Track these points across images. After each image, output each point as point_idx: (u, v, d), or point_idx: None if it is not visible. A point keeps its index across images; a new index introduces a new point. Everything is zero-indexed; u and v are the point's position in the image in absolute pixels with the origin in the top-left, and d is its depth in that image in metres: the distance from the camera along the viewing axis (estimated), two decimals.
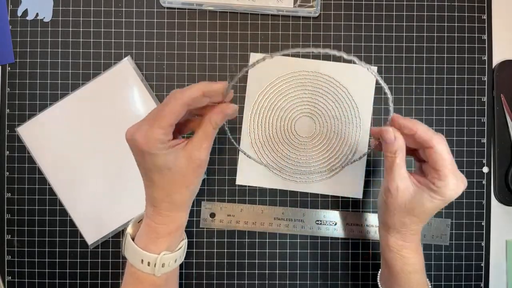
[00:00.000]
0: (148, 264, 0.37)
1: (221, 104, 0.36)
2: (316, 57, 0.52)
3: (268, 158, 0.52)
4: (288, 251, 0.52)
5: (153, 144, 0.33)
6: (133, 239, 0.39)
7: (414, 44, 0.52)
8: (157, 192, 0.36)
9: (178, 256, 0.40)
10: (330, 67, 0.51)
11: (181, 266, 0.44)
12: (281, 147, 0.52)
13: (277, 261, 0.52)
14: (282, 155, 0.52)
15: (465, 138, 0.52)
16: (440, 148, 0.35)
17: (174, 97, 0.34)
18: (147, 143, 0.33)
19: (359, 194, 0.52)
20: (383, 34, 0.52)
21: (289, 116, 0.52)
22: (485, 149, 0.52)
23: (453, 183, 0.35)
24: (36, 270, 0.51)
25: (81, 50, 0.52)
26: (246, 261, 0.52)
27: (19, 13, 0.52)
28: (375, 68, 0.52)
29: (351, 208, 0.52)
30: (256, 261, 0.52)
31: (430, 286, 0.42)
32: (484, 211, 0.52)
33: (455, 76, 0.52)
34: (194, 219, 0.51)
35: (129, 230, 0.39)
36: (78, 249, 0.51)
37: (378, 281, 0.45)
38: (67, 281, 0.51)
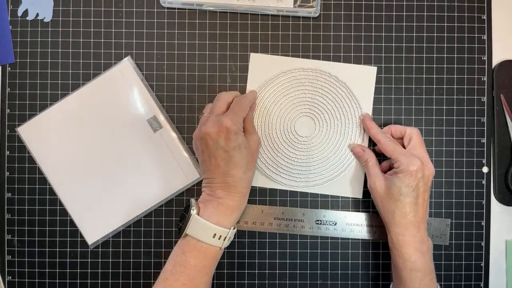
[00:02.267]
0: (219, 237, 0.43)
1: (253, 103, 0.50)
2: (316, 56, 0.52)
3: (268, 158, 0.52)
4: (288, 251, 0.52)
5: (239, 126, 0.44)
6: None
7: (414, 44, 0.52)
8: (236, 170, 0.44)
9: (235, 232, 0.46)
10: (330, 67, 0.52)
11: None
12: (280, 147, 0.52)
13: (277, 261, 0.52)
14: (282, 155, 0.52)
15: (465, 138, 0.52)
16: (383, 140, 0.47)
17: (243, 99, 0.47)
18: (235, 124, 0.44)
19: (359, 194, 0.52)
20: (383, 34, 0.52)
21: (289, 115, 0.52)
22: (485, 149, 0.52)
23: (405, 160, 0.44)
24: (36, 270, 0.51)
25: (81, 50, 0.52)
26: (246, 261, 0.52)
27: (20, 13, 0.52)
28: (374, 68, 0.52)
29: (351, 208, 0.52)
30: (256, 261, 0.52)
31: None
32: (484, 211, 0.52)
33: (455, 76, 0.52)
34: None
35: (195, 211, 0.44)
36: (78, 249, 0.51)
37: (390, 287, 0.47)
38: (67, 281, 0.51)
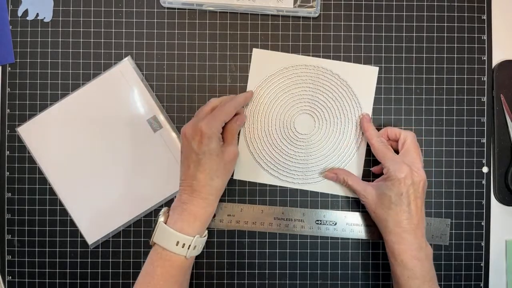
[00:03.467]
0: (183, 246, 0.42)
1: (241, 115, 0.50)
2: (316, 56, 0.52)
3: (266, 154, 0.52)
4: (288, 251, 0.52)
5: (214, 130, 0.43)
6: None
7: (414, 44, 0.52)
8: (203, 175, 0.44)
9: (204, 242, 0.46)
10: (332, 65, 0.52)
11: None
12: (279, 143, 0.52)
13: (277, 261, 0.52)
14: (281, 151, 0.52)
15: (464, 138, 0.52)
16: (376, 145, 0.47)
17: (229, 104, 0.46)
18: (210, 128, 0.43)
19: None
20: (383, 34, 0.52)
21: (288, 112, 0.52)
22: (485, 149, 0.52)
23: (393, 166, 0.44)
24: (37, 270, 0.51)
25: (81, 50, 0.52)
26: (246, 261, 0.52)
27: (20, 13, 0.52)
28: (376, 68, 0.52)
29: (351, 208, 0.52)
30: (256, 261, 0.52)
31: None
32: (484, 211, 0.52)
33: (455, 76, 0.52)
34: None
35: (161, 218, 0.44)
36: (78, 249, 0.51)
37: None
38: (67, 281, 0.51)
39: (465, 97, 0.52)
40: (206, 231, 0.46)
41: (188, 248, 0.42)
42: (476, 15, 0.52)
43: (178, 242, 0.42)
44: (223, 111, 0.45)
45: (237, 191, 0.52)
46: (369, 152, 0.51)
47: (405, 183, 0.43)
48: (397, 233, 0.43)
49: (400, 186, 0.43)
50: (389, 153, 0.46)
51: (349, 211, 0.52)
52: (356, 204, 0.52)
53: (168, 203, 0.51)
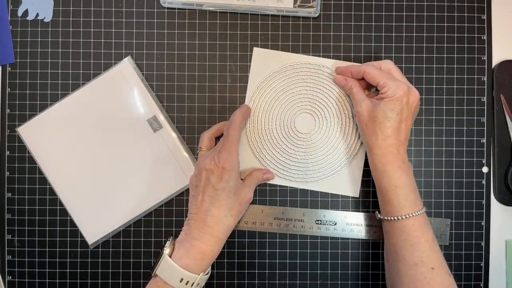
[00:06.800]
0: (186, 283, 0.41)
1: (271, 173, 0.52)
2: (317, 56, 0.52)
3: (267, 153, 0.52)
4: (288, 251, 0.52)
5: (234, 164, 0.44)
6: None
7: (414, 44, 0.52)
8: (219, 211, 0.43)
9: (207, 279, 0.45)
10: (332, 65, 0.51)
11: None
12: (279, 142, 0.52)
13: (277, 261, 0.52)
14: (280, 150, 0.52)
15: (464, 138, 0.52)
16: (369, 70, 0.46)
17: (231, 128, 0.45)
18: (231, 162, 0.44)
19: (355, 193, 0.52)
20: (383, 34, 0.52)
21: (289, 111, 0.52)
22: (485, 149, 0.52)
23: (393, 84, 0.44)
24: (37, 270, 0.51)
25: (81, 50, 0.52)
26: (246, 261, 0.52)
27: (20, 13, 0.52)
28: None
29: (351, 208, 0.52)
30: (256, 261, 0.52)
31: (423, 208, 0.44)
32: (484, 211, 0.52)
33: (455, 76, 0.52)
34: None
35: (167, 251, 0.43)
36: (79, 249, 0.52)
37: (376, 213, 0.48)
38: (67, 281, 0.51)
39: (465, 97, 0.52)
40: (210, 268, 0.45)
41: (192, 286, 0.42)
42: (476, 15, 0.52)
43: (182, 279, 0.41)
44: (232, 140, 0.45)
45: None
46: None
47: (401, 101, 0.44)
48: (384, 147, 0.44)
49: (396, 103, 0.44)
50: (384, 72, 0.46)
51: (349, 211, 0.52)
52: (356, 204, 0.52)
53: (168, 203, 0.51)
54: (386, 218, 0.45)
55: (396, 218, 0.43)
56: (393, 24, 0.52)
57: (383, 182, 0.44)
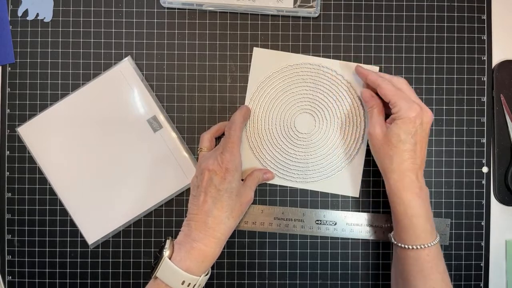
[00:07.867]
0: (188, 285, 0.41)
1: (271, 173, 0.52)
2: (317, 56, 0.52)
3: (266, 153, 0.52)
4: (288, 251, 0.52)
5: (236, 164, 0.44)
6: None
7: (414, 44, 0.52)
8: (220, 212, 0.43)
9: (207, 279, 0.44)
10: (333, 64, 0.52)
11: None
12: (279, 142, 0.52)
13: (277, 261, 0.52)
14: (280, 150, 0.52)
15: (464, 138, 0.52)
16: (383, 85, 0.45)
17: (232, 129, 0.45)
18: (233, 163, 0.44)
19: (355, 193, 0.52)
20: (383, 34, 0.52)
21: (289, 111, 0.52)
22: (485, 149, 0.52)
23: (405, 105, 0.43)
24: (37, 270, 0.51)
25: (81, 50, 0.52)
26: (246, 261, 0.52)
27: (20, 13, 0.52)
28: (376, 68, 0.52)
29: (351, 208, 0.52)
30: (256, 261, 0.52)
31: (437, 237, 0.43)
32: (484, 211, 0.52)
33: (455, 76, 0.52)
34: None
35: (167, 252, 0.42)
36: (78, 249, 0.52)
37: (390, 235, 0.47)
38: (67, 281, 0.51)
39: (465, 97, 0.52)
40: (210, 269, 0.45)
41: (194, 287, 0.42)
42: (476, 15, 0.52)
43: (184, 282, 0.41)
44: (234, 141, 0.45)
45: None
46: (369, 152, 0.51)
47: (414, 122, 0.43)
48: (400, 171, 0.43)
49: (410, 125, 0.43)
50: (399, 91, 0.45)
51: (349, 211, 0.52)
52: (356, 204, 0.52)
53: (168, 203, 0.51)
54: (400, 245, 0.44)
55: (411, 247, 0.43)
56: (393, 24, 0.52)
57: (398, 209, 0.44)
